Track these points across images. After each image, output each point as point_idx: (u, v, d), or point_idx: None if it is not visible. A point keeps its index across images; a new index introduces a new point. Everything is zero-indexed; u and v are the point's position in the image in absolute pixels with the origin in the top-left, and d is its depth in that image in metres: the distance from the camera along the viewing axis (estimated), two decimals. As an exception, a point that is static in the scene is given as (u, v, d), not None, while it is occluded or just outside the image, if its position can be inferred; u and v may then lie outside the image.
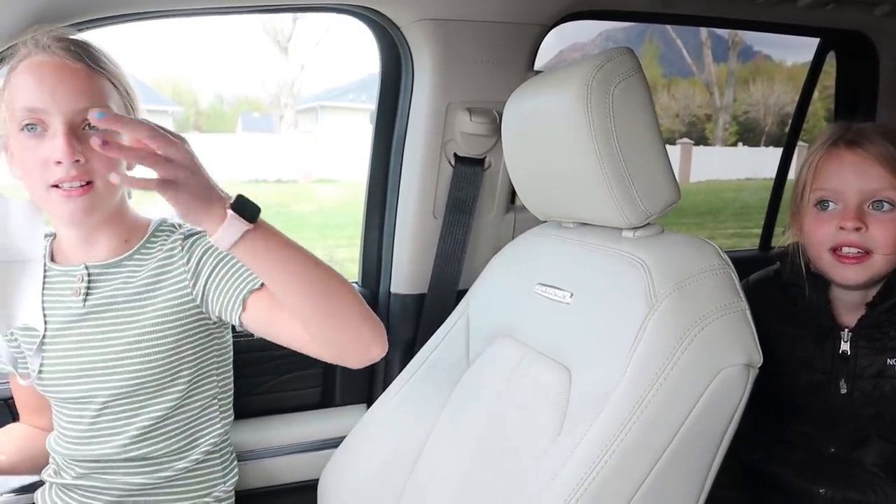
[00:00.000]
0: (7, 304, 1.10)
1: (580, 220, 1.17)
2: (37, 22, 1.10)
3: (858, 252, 1.14)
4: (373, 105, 1.57)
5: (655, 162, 1.00)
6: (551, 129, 1.08)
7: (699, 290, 0.92)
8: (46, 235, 1.18)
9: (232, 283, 1.09)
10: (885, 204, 1.13)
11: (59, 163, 1.00)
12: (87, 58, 1.05)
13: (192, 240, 1.13)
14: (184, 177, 0.84)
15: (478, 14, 1.40)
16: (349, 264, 7.64)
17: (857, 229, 1.13)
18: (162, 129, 0.84)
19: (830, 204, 1.17)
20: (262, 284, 1.05)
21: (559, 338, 1.07)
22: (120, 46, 1.14)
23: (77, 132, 1.01)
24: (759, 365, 0.91)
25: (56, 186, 1.02)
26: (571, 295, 1.07)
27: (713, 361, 0.89)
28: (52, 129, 1.01)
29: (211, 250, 1.11)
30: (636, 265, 0.98)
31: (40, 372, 1.14)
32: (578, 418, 0.94)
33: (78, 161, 1.00)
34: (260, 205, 0.91)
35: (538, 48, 1.50)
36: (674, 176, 1.02)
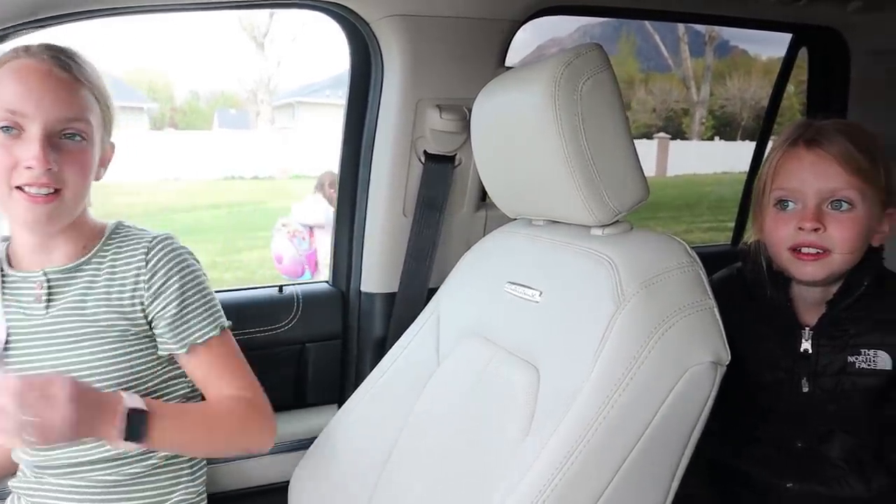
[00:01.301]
0: None
1: (549, 218, 1.16)
2: (32, 11, 1.10)
3: (817, 251, 1.14)
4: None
5: (624, 159, 0.99)
6: (520, 127, 1.07)
7: (666, 289, 0.92)
8: (3, 240, 1.16)
9: (186, 322, 1.13)
10: (843, 203, 1.13)
11: (30, 167, 1.00)
12: (74, 69, 1.05)
13: (159, 255, 1.12)
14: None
15: (447, 10, 1.39)
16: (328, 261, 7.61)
17: (816, 230, 1.13)
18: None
19: (790, 204, 1.17)
20: (211, 338, 1.14)
21: (528, 337, 1.06)
22: (93, 40, 1.13)
23: (53, 140, 1.02)
24: (727, 363, 0.91)
25: (21, 189, 1.02)
26: (541, 293, 1.06)
27: (680, 359, 0.88)
28: (28, 133, 1.01)
29: (178, 277, 1.13)
30: (604, 263, 0.97)
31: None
32: (546, 418, 0.93)
33: (50, 169, 1.01)
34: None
35: (509, 44, 1.49)
36: (642, 173, 1.01)
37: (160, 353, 1.16)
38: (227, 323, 1.18)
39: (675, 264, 0.94)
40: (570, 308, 1.00)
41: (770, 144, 2.14)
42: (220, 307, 1.18)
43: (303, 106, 20.13)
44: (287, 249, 4.16)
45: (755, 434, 1.26)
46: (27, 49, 1.05)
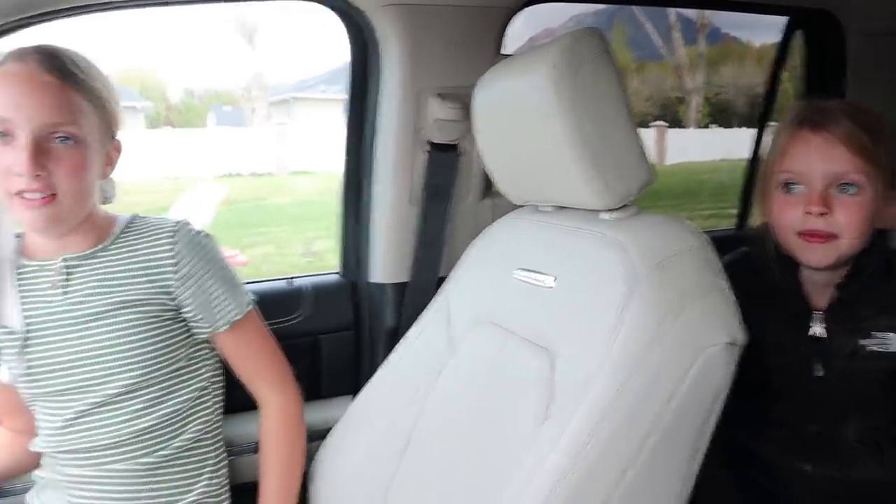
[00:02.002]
0: None
1: (557, 204, 1.16)
2: (6, 11, 1.10)
3: (826, 235, 1.13)
4: (345, 96, 1.56)
5: (627, 142, 1.00)
6: (521, 113, 1.07)
7: (679, 270, 0.92)
8: (17, 235, 1.18)
9: (218, 304, 1.18)
10: (850, 187, 1.11)
11: (20, 175, 1.01)
12: (61, 71, 1.04)
13: (183, 241, 1.15)
14: None
15: None
16: (329, 255, 7.63)
17: (823, 214, 1.11)
18: None
19: (796, 186, 1.15)
20: (239, 318, 1.20)
21: (541, 322, 1.07)
22: (82, 40, 1.13)
23: (42, 145, 1.02)
24: (743, 343, 0.91)
25: (18, 195, 1.03)
26: (554, 279, 1.07)
27: (696, 341, 0.89)
28: (17, 139, 1.01)
29: (205, 261, 1.16)
30: (615, 247, 0.97)
31: (28, 368, 1.13)
32: (562, 404, 0.93)
33: (39, 175, 1.01)
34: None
35: (505, 31, 1.49)
36: (646, 156, 1.02)
37: (196, 336, 1.19)
38: (252, 297, 1.24)
39: (686, 246, 0.95)
40: (582, 292, 1.01)
41: (769, 129, 2.14)
42: (244, 286, 1.23)
43: (298, 102, 20.08)
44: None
45: (769, 417, 1.26)
46: (16, 54, 1.04)
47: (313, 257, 8.02)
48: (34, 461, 1.23)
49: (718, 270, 0.94)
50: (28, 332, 1.13)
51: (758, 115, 2.22)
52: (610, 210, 1.04)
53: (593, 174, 0.98)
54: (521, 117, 1.08)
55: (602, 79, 0.98)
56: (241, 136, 17.01)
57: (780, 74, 2.14)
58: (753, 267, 1.26)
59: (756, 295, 1.22)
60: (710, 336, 0.90)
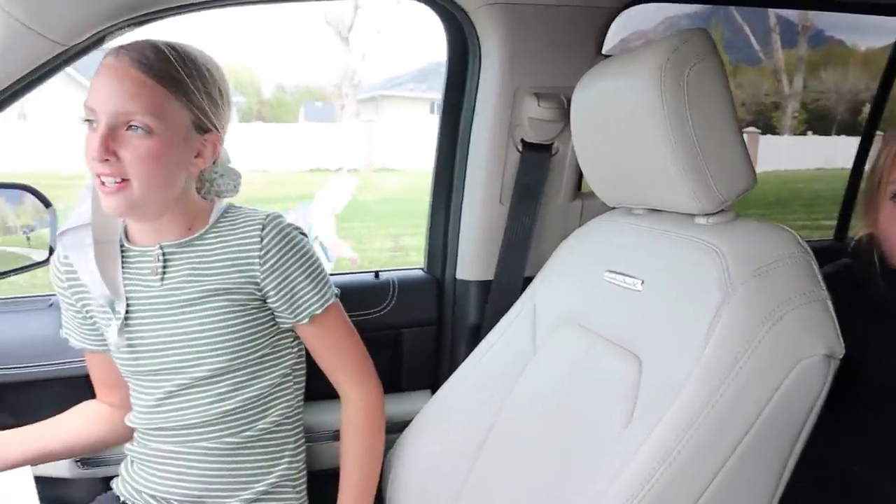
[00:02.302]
0: (94, 282, 1.17)
1: (651, 207, 1.14)
2: (104, 16, 1.15)
3: None
4: (432, 94, 1.59)
5: (731, 146, 0.97)
6: (623, 114, 1.06)
7: (777, 278, 0.89)
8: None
9: (301, 296, 1.21)
10: None
11: (94, 158, 1.06)
12: (148, 66, 1.07)
13: (272, 233, 1.18)
14: None
15: None
16: (414, 253, 7.70)
17: None
18: None
19: None
20: (325, 309, 1.23)
21: (629, 326, 1.05)
22: (180, 36, 1.17)
23: (117, 133, 1.06)
24: (841, 356, 0.88)
25: (99, 179, 1.08)
26: (642, 282, 1.05)
27: (792, 351, 0.86)
28: (98, 126, 1.06)
29: (291, 254, 1.19)
30: (711, 252, 0.95)
31: (128, 346, 1.19)
32: (650, 408, 0.92)
33: (108, 160, 1.05)
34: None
35: (607, 32, 1.47)
36: (750, 161, 0.99)
37: (280, 324, 1.23)
38: (336, 291, 1.26)
39: (785, 253, 0.92)
40: (674, 297, 0.99)
41: (877, 137, 2.05)
42: (329, 279, 1.25)
43: (386, 99, 20.33)
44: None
45: (865, 436, 1.21)
46: (115, 49, 1.09)
47: (400, 252, 8.10)
48: (128, 434, 1.31)
49: (819, 280, 0.91)
50: (128, 312, 1.18)
51: (861, 123, 2.13)
52: (707, 214, 1.02)
53: (693, 177, 0.96)
54: (621, 118, 1.06)
55: (708, 80, 0.96)
56: (329, 132, 17.33)
57: (893, 80, 2.04)
58: (856, 279, 1.21)
59: (858, 308, 1.18)
60: (806, 347, 0.87)
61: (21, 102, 1.27)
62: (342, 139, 16.62)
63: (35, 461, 1.28)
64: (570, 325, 1.18)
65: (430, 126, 1.59)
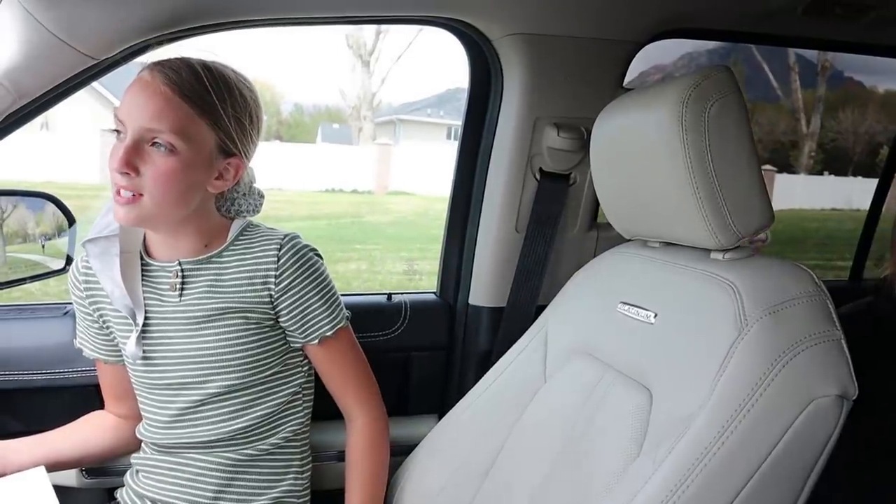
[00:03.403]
0: (110, 281, 1.18)
1: (667, 240, 1.14)
2: (134, 32, 1.18)
3: None
4: (450, 120, 1.59)
5: (750, 182, 0.97)
6: (642, 147, 1.07)
7: (792, 317, 0.89)
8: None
9: (312, 318, 1.22)
10: None
11: (114, 169, 1.07)
12: (179, 85, 1.08)
13: (288, 253, 1.19)
14: None
15: (570, 30, 1.40)
16: (426, 278, 7.72)
17: None
18: None
19: None
20: (335, 332, 1.24)
21: (641, 358, 1.05)
22: (205, 50, 1.19)
23: (141, 148, 1.07)
24: (854, 397, 0.88)
25: (115, 189, 1.10)
26: (655, 315, 1.05)
27: (804, 391, 0.86)
28: (125, 139, 1.08)
29: (305, 275, 1.20)
30: (725, 288, 0.95)
31: (143, 359, 1.20)
32: (659, 441, 0.92)
33: (127, 174, 1.06)
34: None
35: (629, 65, 1.49)
36: (768, 198, 0.99)
37: (291, 344, 1.23)
38: (347, 314, 1.27)
39: (801, 292, 0.91)
40: (687, 331, 0.99)
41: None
42: (341, 301, 1.26)
43: (404, 124, 20.44)
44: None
45: (878, 479, 1.20)
46: (150, 65, 1.11)
47: (415, 275, 8.11)
48: (134, 445, 1.31)
49: (834, 319, 0.90)
50: (146, 325, 1.19)
51: (878, 165, 2.13)
52: (723, 250, 1.02)
53: (711, 212, 0.97)
54: (640, 151, 1.07)
55: (729, 117, 0.96)
56: (345, 153, 17.42)
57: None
58: (876, 318, 1.20)
59: (877, 349, 1.17)
60: (819, 387, 0.86)
61: (45, 113, 1.29)
62: (358, 161, 16.70)
63: None
64: (581, 356, 1.18)
65: (445, 151, 1.60)
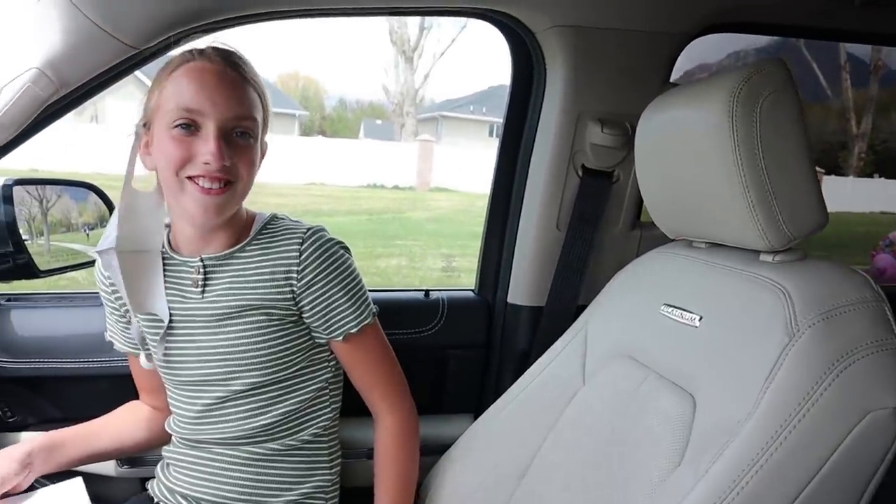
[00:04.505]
0: (136, 292, 1.17)
1: (714, 241, 1.10)
2: (177, 22, 1.16)
3: None
4: (492, 117, 1.57)
5: (803, 182, 0.93)
6: (690, 144, 1.03)
7: (847, 323, 0.85)
8: (165, 225, 1.24)
9: (337, 314, 1.19)
10: None
11: (207, 163, 1.05)
12: (242, 69, 1.11)
13: (312, 247, 1.16)
14: None
15: (616, 22, 1.36)
16: (465, 275, 7.71)
17: None
18: None
19: None
20: (360, 328, 1.20)
21: (684, 362, 1.01)
22: (248, 44, 1.20)
23: (227, 137, 1.07)
24: None
25: (192, 179, 1.08)
26: (700, 318, 1.01)
27: (860, 402, 0.81)
28: (204, 130, 1.07)
29: (329, 270, 1.17)
30: (775, 291, 0.91)
31: (165, 356, 1.19)
32: (703, 449, 0.88)
33: (225, 165, 1.06)
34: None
35: (675, 59, 1.44)
36: (822, 198, 0.95)
37: (315, 340, 1.21)
38: (375, 309, 1.23)
39: (857, 297, 0.87)
40: (734, 336, 0.95)
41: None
42: (368, 297, 1.23)
43: (446, 120, 20.47)
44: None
45: None
46: (201, 52, 1.10)
47: (453, 272, 8.11)
48: (167, 438, 1.31)
49: (892, 328, 0.86)
50: (170, 322, 1.18)
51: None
52: (773, 252, 0.98)
53: (763, 212, 0.92)
54: (688, 148, 1.03)
55: (783, 112, 0.92)
56: (387, 149, 17.52)
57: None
58: None
59: None
60: (876, 398, 0.82)
61: (94, 106, 1.29)
62: (400, 157, 16.78)
63: (82, 462, 1.30)
64: (622, 358, 1.15)
65: (488, 148, 1.57)
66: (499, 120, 1.57)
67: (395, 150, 17.81)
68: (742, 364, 0.90)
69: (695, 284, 1.09)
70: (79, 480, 1.20)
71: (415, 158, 16.65)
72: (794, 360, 0.83)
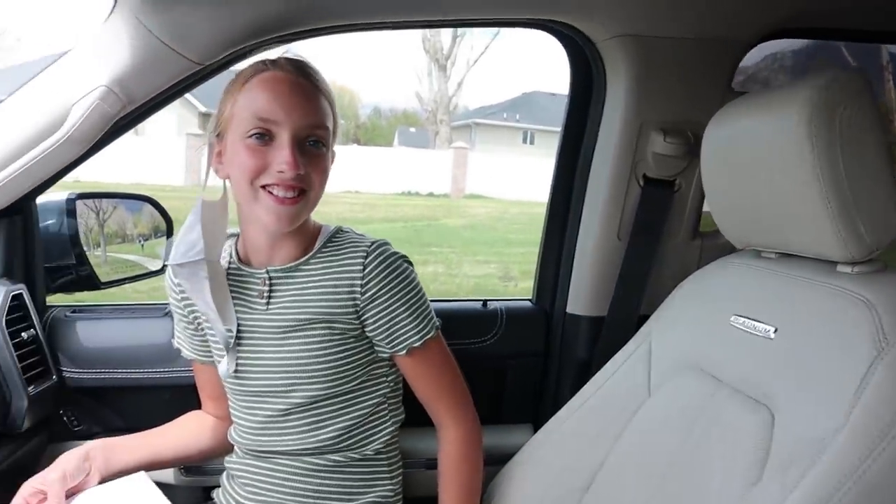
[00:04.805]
0: (203, 302, 1.17)
1: (787, 251, 1.08)
2: (238, 39, 1.20)
3: None
4: (525, 124, 1.56)
5: (885, 191, 0.91)
6: (762, 153, 1.01)
7: None
8: (230, 235, 1.24)
9: (400, 328, 1.18)
10: None
11: (281, 171, 1.06)
12: (314, 79, 1.12)
13: (375, 261, 1.16)
14: None
15: (677, 30, 1.35)
16: (505, 284, 7.68)
17: None
18: None
19: None
20: (423, 342, 1.20)
21: (759, 374, 1.00)
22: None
23: (300, 146, 1.09)
24: None
25: (266, 189, 1.08)
26: (776, 330, 1.00)
27: None
28: (278, 139, 1.08)
29: (393, 284, 1.17)
30: (858, 303, 0.89)
31: (236, 368, 1.20)
32: (787, 465, 0.86)
33: (300, 173, 1.07)
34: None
35: (737, 66, 1.42)
36: None
37: (378, 354, 1.21)
38: (438, 323, 1.23)
39: None
40: (814, 349, 0.93)
41: None
42: (431, 311, 1.23)
43: (480, 127, 20.47)
44: None
45: None
46: (273, 62, 1.12)
47: (510, 281, 8.08)
48: (230, 447, 1.31)
49: None
50: (238, 333, 1.19)
51: None
52: (852, 263, 0.96)
53: (843, 222, 0.91)
54: (760, 157, 1.02)
55: (863, 122, 0.91)
56: (422, 157, 17.57)
57: None
58: None
59: None
60: None
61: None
62: (434, 164, 16.81)
63: (142, 468, 1.29)
64: (690, 369, 1.13)
65: (521, 155, 1.57)
66: (532, 126, 1.58)
67: (430, 157, 17.84)
68: (826, 377, 0.88)
69: (767, 295, 1.07)
70: (142, 474, 1.20)
71: (449, 165, 16.67)
72: (885, 375, 0.81)
